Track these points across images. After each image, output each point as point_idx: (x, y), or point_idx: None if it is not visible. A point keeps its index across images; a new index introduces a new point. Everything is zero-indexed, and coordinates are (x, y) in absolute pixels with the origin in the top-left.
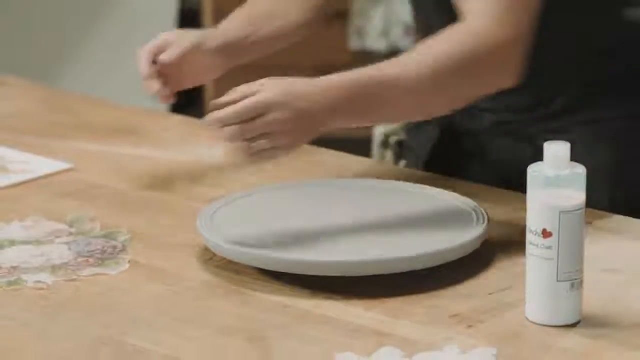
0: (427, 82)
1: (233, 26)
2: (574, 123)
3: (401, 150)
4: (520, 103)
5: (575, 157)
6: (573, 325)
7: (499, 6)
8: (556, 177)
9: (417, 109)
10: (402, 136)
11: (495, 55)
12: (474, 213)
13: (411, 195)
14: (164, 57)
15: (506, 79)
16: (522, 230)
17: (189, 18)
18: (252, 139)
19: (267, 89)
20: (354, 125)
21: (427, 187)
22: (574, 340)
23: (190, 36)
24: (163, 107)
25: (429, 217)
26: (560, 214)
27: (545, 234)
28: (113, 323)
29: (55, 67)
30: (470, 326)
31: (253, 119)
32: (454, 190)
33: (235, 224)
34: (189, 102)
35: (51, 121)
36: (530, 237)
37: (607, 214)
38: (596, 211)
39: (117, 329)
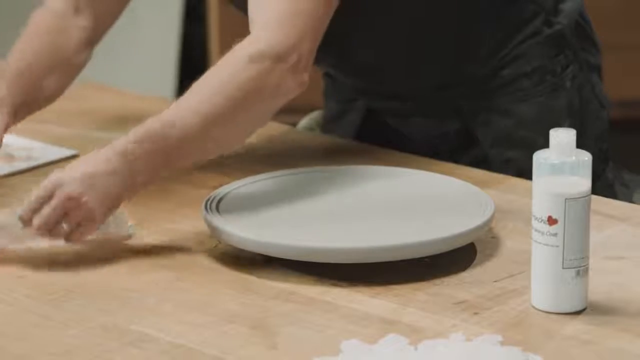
0: (216, 117)
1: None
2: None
3: None
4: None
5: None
6: (578, 313)
7: (277, 16)
8: (561, 164)
9: (216, 143)
10: (318, 131)
11: (277, 70)
12: (478, 199)
13: (416, 182)
14: None
15: (293, 89)
16: (527, 217)
17: (192, 5)
18: (59, 221)
19: (62, 171)
20: (162, 175)
21: (431, 173)
22: (579, 327)
23: None
24: (167, 93)
25: (434, 204)
26: (565, 201)
27: (551, 221)
28: (117, 310)
29: None
30: (475, 313)
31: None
32: (456, 175)
33: (240, 210)
34: None
35: (55, 108)
36: (535, 224)
37: (612, 200)
38: (601, 198)
39: (121, 315)
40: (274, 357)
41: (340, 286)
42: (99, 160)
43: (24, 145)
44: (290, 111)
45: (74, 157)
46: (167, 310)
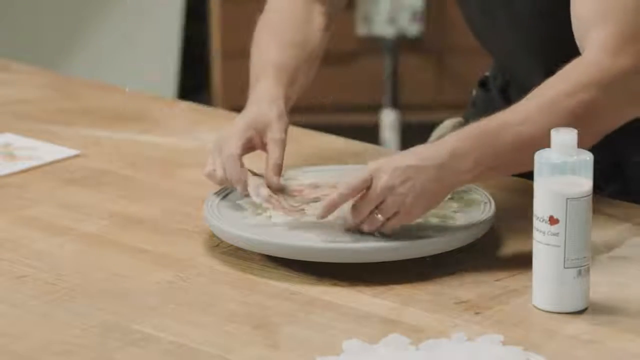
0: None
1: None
2: None
3: None
4: None
5: None
6: (580, 312)
7: (616, 36)
8: (563, 164)
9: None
10: None
11: (627, 89)
12: (480, 199)
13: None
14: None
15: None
16: (528, 217)
17: (194, 4)
18: (372, 211)
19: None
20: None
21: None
22: (580, 327)
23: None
24: (169, 93)
25: None
26: (567, 201)
27: (552, 220)
28: (119, 309)
29: (61, 52)
30: (477, 313)
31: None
32: None
33: (242, 210)
34: (195, 88)
35: (57, 107)
36: (536, 224)
37: (614, 200)
38: (602, 198)
39: (123, 315)
40: (276, 356)
41: (341, 286)
42: (425, 153)
43: (25, 144)
44: (290, 111)
45: (75, 156)
46: (169, 310)
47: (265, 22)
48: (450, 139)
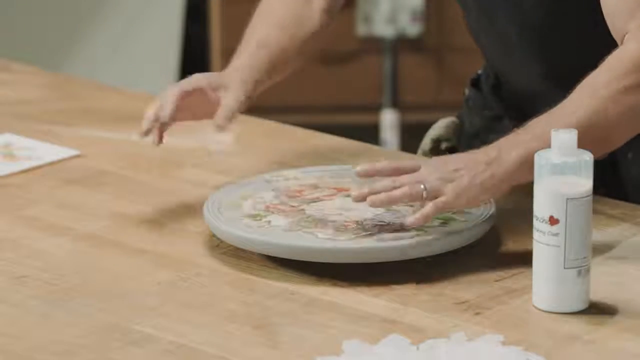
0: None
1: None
2: None
3: None
4: None
5: None
6: (580, 312)
7: None
8: (563, 164)
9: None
10: (454, 142)
11: None
12: None
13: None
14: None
15: None
16: (528, 217)
17: (194, 5)
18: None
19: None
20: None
21: None
22: (580, 327)
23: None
24: None
25: None
26: (567, 201)
27: (552, 220)
28: (119, 309)
29: (61, 52)
30: (477, 313)
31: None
32: None
33: (241, 210)
34: None
35: (57, 107)
36: (536, 224)
37: (613, 200)
38: (603, 198)
39: (123, 315)
40: (276, 356)
41: (341, 286)
42: (474, 152)
43: (25, 144)
44: (289, 111)
45: (75, 156)
46: (169, 310)
47: (263, 3)
48: (494, 145)
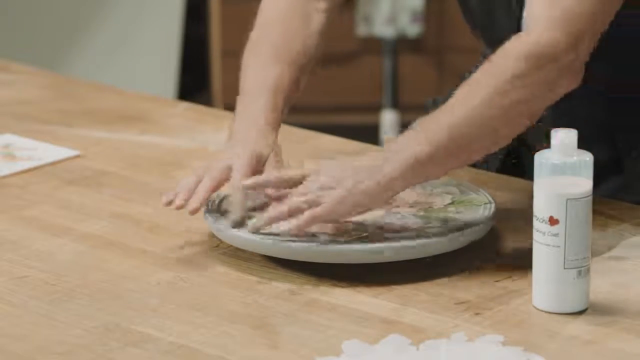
0: (493, 102)
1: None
2: None
3: None
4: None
5: None
6: (580, 313)
7: (556, 11)
8: (563, 164)
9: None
10: None
11: (557, 63)
12: (480, 199)
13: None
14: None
15: (568, 85)
16: (528, 217)
17: (194, 4)
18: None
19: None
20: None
21: None
22: (580, 327)
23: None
24: (169, 93)
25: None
26: (567, 201)
27: (552, 221)
28: (119, 310)
29: (61, 52)
30: (477, 313)
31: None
32: (459, 175)
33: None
34: (195, 88)
35: (57, 108)
36: (536, 224)
37: (613, 201)
38: (602, 198)
39: (123, 315)
40: (276, 356)
41: (341, 286)
42: (361, 160)
43: (25, 145)
44: (290, 111)
45: (75, 157)
46: (169, 310)
47: (264, 26)
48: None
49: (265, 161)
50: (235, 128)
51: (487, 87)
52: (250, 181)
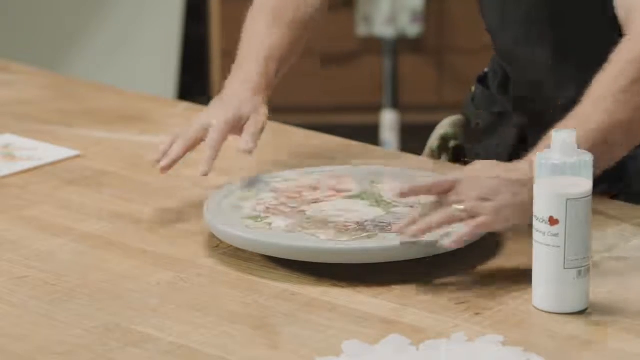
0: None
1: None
2: None
3: (458, 155)
4: None
5: None
6: (579, 313)
7: None
8: (563, 165)
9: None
10: (462, 140)
11: None
12: None
13: (418, 180)
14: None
15: None
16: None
17: (194, 4)
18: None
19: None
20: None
21: (431, 172)
22: (580, 327)
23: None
24: (169, 93)
25: None
26: (567, 201)
27: (552, 221)
28: (119, 310)
29: (61, 52)
30: (477, 313)
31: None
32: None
33: (242, 211)
34: (195, 88)
35: (57, 108)
36: (536, 225)
37: (613, 201)
38: (603, 198)
39: (123, 315)
40: (276, 356)
41: (341, 286)
42: (510, 166)
43: (25, 145)
44: (290, 111)
45: (75, 157)
46: (169, 310)
47: None
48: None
49: (245, 123)
50: (225, 89)
51: (614, 84)
52: (405, 189)
